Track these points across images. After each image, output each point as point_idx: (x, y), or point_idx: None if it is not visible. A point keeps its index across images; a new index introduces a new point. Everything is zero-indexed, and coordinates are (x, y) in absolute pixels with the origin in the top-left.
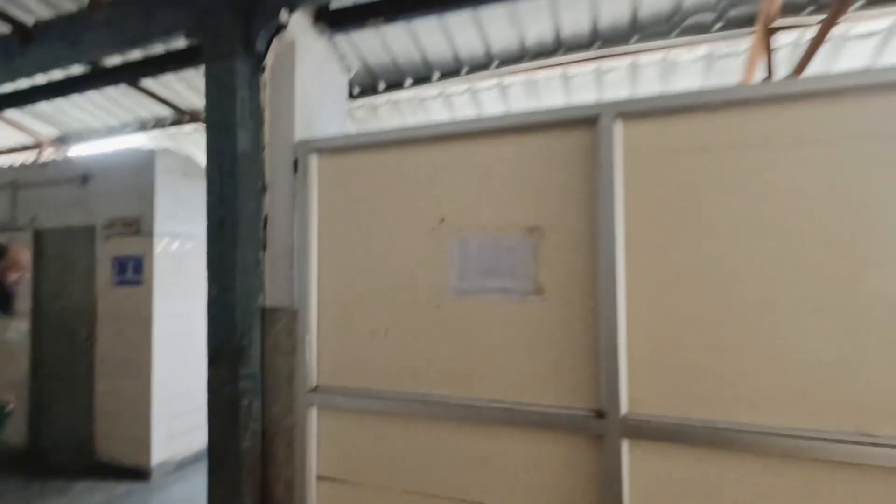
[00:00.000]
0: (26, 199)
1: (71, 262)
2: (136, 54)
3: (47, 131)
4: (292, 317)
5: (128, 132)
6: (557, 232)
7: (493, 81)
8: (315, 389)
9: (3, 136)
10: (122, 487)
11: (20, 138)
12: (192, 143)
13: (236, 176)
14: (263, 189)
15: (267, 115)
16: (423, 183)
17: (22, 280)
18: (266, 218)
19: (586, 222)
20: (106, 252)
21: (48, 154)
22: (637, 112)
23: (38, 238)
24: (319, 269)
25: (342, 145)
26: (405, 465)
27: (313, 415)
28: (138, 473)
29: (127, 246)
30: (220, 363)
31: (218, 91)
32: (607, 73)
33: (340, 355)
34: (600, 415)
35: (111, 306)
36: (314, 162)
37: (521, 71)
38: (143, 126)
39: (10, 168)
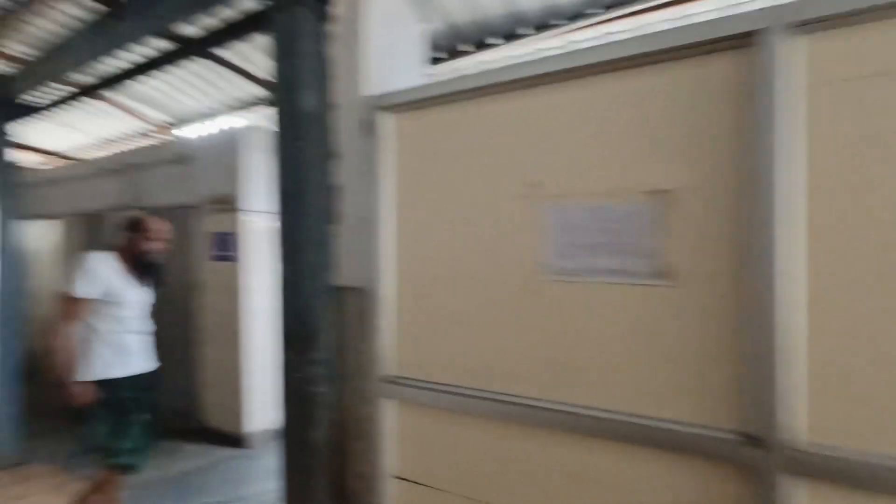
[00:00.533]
0: (138, 179)
1: (174, 238)
2: (214, 22)
3: (159, 117)
4: (365, 298)
5: (228, 113)
6: (694, 195)
7: (596, 32)
8: (388, 380)
9: (120, 122)
10: (223, 453)
11: (136, 124)
12: None
13: (303, 140)
14: (333, 154)
15: (335, 70)
16: (515, 138)
17: (165, 250)
18: (336, 187)
19: (739, 182)
20: (203, 228)
21: (158, 138)
22: (825, 18)
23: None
24: (395, 244)
25: (418, 98)
26: (490, 475)
27: (387, 408)
28: (237, 440)
29: (221, 223)
30: (291, 346)
31: (282, 45)
32: (743, 6)
33: (417, 343)
34: (753, 440)
35: (208, 280)
36: (387, 120)
37: (629, 15)
38: (241, 107)
39: (125, 152)
